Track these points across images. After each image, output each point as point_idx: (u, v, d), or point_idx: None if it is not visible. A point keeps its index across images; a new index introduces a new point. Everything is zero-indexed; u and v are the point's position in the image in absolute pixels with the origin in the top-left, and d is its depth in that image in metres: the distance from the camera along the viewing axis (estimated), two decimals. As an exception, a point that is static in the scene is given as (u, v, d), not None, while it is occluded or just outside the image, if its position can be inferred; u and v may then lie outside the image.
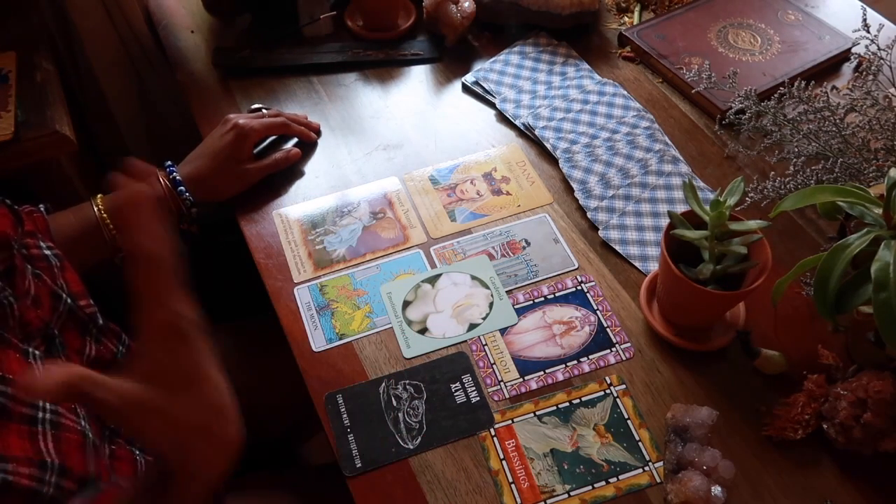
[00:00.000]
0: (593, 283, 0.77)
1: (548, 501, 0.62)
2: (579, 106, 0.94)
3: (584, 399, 0.69)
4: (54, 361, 0.56)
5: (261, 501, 0.81)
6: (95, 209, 0.78)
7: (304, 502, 0.82)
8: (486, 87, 0.97)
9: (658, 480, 0.63)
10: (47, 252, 0.63)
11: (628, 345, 0.72)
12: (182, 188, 0.80)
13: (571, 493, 0.63)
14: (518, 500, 0.62)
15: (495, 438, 0.66)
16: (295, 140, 0.90)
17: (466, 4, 0.99)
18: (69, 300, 0.61)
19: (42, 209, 0.75)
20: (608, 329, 0.73)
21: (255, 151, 0.86)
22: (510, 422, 0.67)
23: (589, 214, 0.83)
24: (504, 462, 0.65)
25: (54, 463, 0.49)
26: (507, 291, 0.77)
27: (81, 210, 0.78)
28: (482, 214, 0.84)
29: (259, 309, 0.83)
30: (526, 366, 0.71)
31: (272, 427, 0.95)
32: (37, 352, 0.54)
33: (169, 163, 0.82)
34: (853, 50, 1.00)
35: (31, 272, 0.57)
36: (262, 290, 0.78)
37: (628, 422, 0.67)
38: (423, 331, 0.74)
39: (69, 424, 0.53)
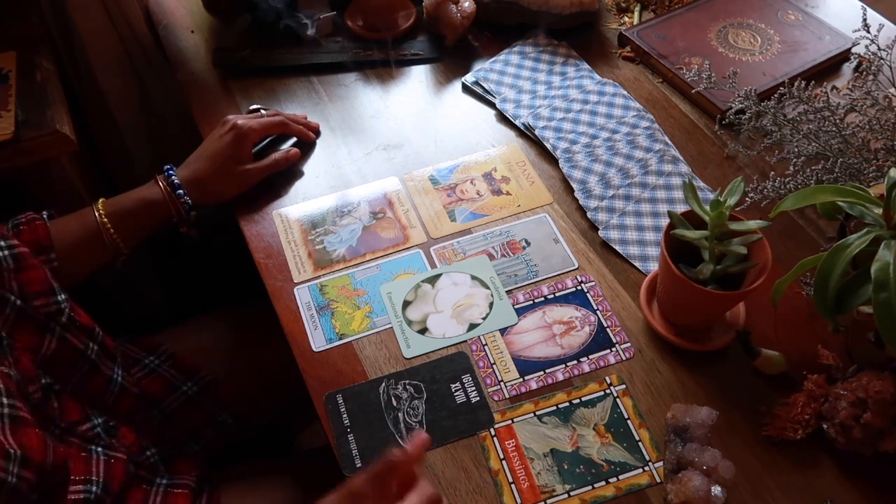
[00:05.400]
0: (593, 283, 0.77)
1: (548, 501, 0.62)
2: (579, 106, 0.94)
3: (584, 399, 0.69)
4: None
5: (255, 487, 0.81)
6: (96, 214, 0.78)
7: (297, 486, 0.82)
8: (486, 87, 0.97)
9: (658, 480, 0.63)
10: (4, 253, 0.63)
11: (628, 345, 0.72)
12: (181, 192, 0.80)
13: (571, 493, 0.63)
14: (518, 500, 0.62)
15: (495, 438, 0.66)
16: (294, 140, 0.90)
17: (466, 4, 0.99)
18: (18, 301, 0.62)
19: (45, 216, 0.75)
20: (608, 329, 0.73)
21: (253, 151, 0.86)
22: (510, 422, 0.67)
23: (589, 214, 0.83)
24: (504, 462, 0.65)
25: (16, 453, 0.51)
26: (507, 291, 0.77)
27: (83, 216, 0.78)
28: (482, 214, 0.84)
29: (252, 295, 0.83)
30: (526, 366, 0.71)
31: (260, 415, 0.94)
32: None
33: (168, 166, 0.82)
34: (853, 50, 1.00)
35: None
36: (255, 277, 0.78)
37: (628, 422, 0.67)
38: (423, 331, 0.74)
39: (26, 418, 0.54)
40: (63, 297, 0.68)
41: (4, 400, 0.53)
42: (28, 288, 0.64)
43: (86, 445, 0.64)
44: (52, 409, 0.62)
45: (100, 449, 0.64)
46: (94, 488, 0.60)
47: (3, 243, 0.64)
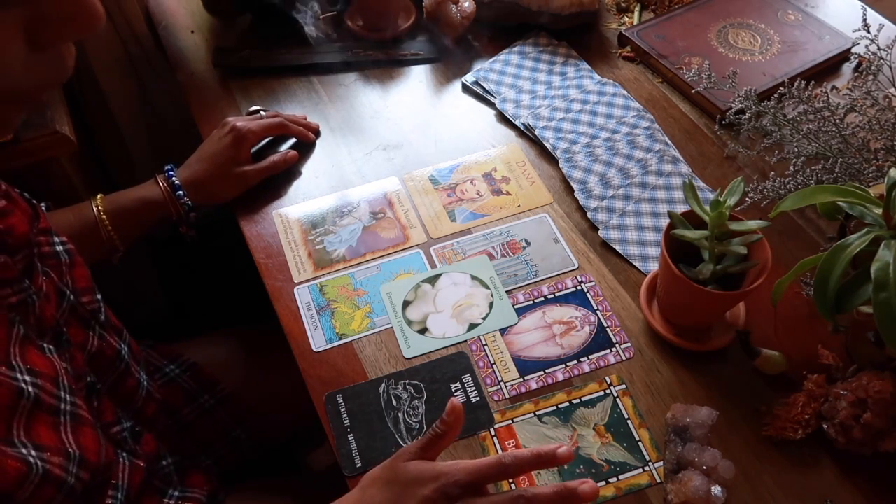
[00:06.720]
0: (593, 283, 0.77)
1: (548, 501, 0.62)
2: (579, 106, 0.94)
3: (584, 399, 0.69)
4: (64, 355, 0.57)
5: None
6: (94, 209, 0.78)
7: None
8: (486, 87, 0.97)
9: (658, 480, 0.63)
10: (59, 248, 0.64)
11: (628, 345, 0.72)
12: (181, 192, 0.80)
13: (571, 493, 0.63)
14: (518, 500, 0.62)
15: (495, 438, 0.66)
16: (293, 140, 0.90)
17: (466, 4, 0.99)
18: (72, 297, 0.62)
19: (43, 207, 0.75)
20: (608, 329, 0.73)
21: (252, 152, 0.86)
22: (510, 422, 0.67)
23: (589, 214, 0.83)
24: (504, 462, 0.64)
25: (75, 453, 0.50)
26: (507, 291, 0.77)
27: (80, 209, 0.78)
28: (482, 214, 0.84)
29: (262, 315, 0.83)
30: (526, 366, 0.71)
31: (274, 433, 0.95)
32: (51, 347, 0.54)
33: (169, 167, 0.83)
34: (853, 50, 1.00)
35: (41, 270, 0.58)
36: (264, 296, 0.78)
37: (628, 422, 0.67)
38: (423, 331, 0.74)
39: (85, 417, 0.54)
40: (99, 295, 0.68)
41: (67, 397, 0.52)
42: (77, 284, 0.64)
43: (115, 449, 0.64)
44: (92, 409, 0.61)
45: (125, 454, 0.64)
46: (119, 494, 0.60)
47: (56, 239, 0.64)
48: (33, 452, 0.46)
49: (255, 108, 0.93)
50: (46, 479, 0.46)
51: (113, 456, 0.58)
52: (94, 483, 0.53)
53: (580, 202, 0.84)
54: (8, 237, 0.53)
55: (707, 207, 0.66)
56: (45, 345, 0.54)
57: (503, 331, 0.74)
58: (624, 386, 0.69)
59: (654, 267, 0.78)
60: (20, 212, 0.57)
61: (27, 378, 0.48)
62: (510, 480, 0.63)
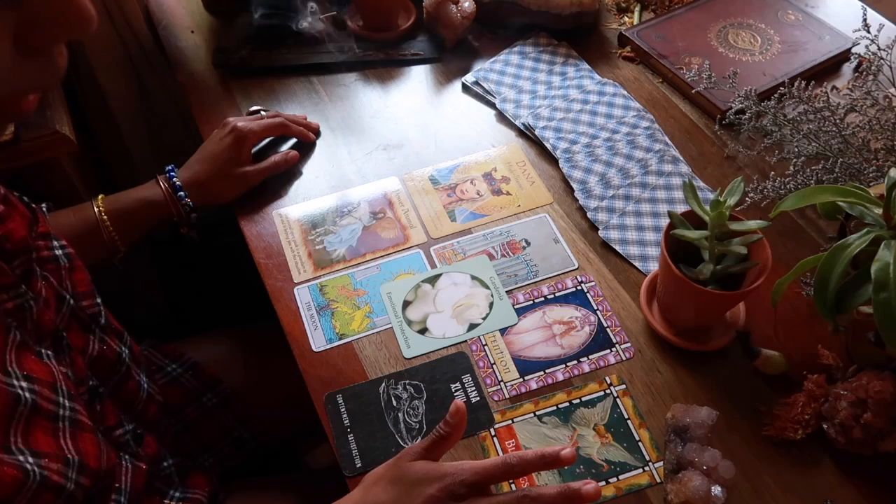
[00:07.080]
0: (593, 283, 0.77)
1: (548, 501, 0.62)
2: (579, 106, 0.94)
3: (584, 399, 0.69)
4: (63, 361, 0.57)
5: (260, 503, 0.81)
6: (95, 209, 0.78)
7: None
8: (486, 87, 0.97)
9: (658, 480, 0.63)
10: (58, 252, 0.63)
11: (628, 345, 0.72)
12: (182, 193, 0.80)
13: (571, 493, 0.63)
14: (518, 500, 0.62)
15: (495, 438, 0.66)
16: (293, 140, 0.90)
17: (466, 4, 0.99)
18: (72, 301, 0.62)
19: (44, 208, 0.75)
20: (608, 329, 0.73)
21: (252, 152, 0.86)
22: (510, 422, 0.67)
23: (589, 214, 0.83)
24: (504, 462, 0.64)
25: (74, 459, 0.50)
26: (507, 291, 0.77)
27: (81, 210, 0.78)
28: (482, 214, 0.84)
29: (262, 314, 0.83)
30: (526, 366, 0.71)
31: (276, 432, 0.94)
32: (49, 352, 0.54)
33: (170, 167, 0.82)
34: (853, 50, 1.00)
35: (40, 274, 0.58)
36: (264, 296, 0.78)
37: (628, 422, 0.67)
38: (423, 331, 0.74)
39: (85, 422, 0.53)
40: (99, 299, 0.67)
41: (67, 403, 0.52)
42: (77, 288, 0.64)
43: (117, 452, 0.64)
44: (94, 413, 0.61)
45: (127, 457, 0.64)
46: (122, 498, 0.60)
47: (56, 243, 0.64)
48: (30, 459, 0.46)
49: (255, 108, 0.93)
50: (44, 485, 0.46)
51: (115, 460, 0.58)
52: (98, 488, 0.53)
53: (580, 202, 0.84)
54: (6, 242, 0.53)
55: (707, 207, 0.66)
56: (43, 350, 0.54)
57: (503, 331, 0.74)
58: (624, 386, 0.69)
59: (654, 267, 0.78)
60: (18, 216, 0.56)
61: (24, 384, 0.48)
62: (510, 481, 0.63)
